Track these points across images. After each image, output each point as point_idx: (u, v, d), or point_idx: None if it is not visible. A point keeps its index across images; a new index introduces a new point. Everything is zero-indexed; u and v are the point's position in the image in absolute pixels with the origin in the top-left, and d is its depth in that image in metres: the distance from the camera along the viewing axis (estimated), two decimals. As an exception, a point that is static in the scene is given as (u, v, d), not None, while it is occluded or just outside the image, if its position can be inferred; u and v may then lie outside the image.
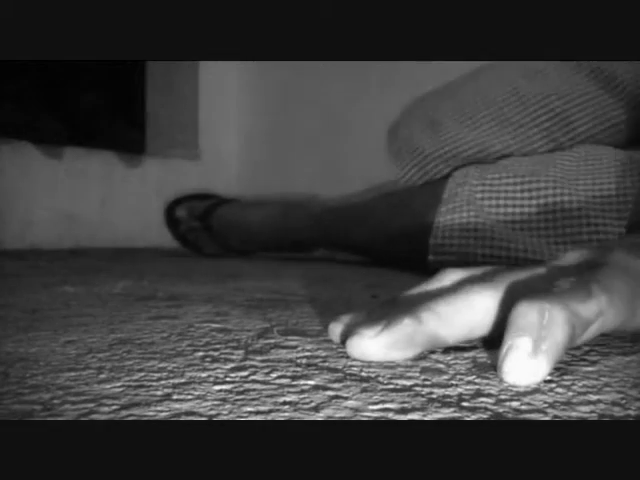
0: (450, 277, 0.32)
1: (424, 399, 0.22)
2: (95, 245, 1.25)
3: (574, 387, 0.24)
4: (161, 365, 0.26)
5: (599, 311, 0.25)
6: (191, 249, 1.11)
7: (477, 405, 0.21)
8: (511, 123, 0.74)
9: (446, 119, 0.78)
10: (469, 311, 0.27)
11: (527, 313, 0.24)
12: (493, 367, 0.26)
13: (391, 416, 0.20)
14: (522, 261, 0.62)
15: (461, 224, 0.67)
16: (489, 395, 0.22)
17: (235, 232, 1.06)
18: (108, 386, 0.23)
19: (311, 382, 0.24)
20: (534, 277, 0.29)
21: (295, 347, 0.30)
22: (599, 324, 0.26)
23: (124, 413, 0.20)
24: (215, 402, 0.21)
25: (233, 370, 0.26)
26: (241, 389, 0.23)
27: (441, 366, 0.26)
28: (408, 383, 0.24)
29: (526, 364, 0.23)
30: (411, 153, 0.80)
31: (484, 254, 0.65)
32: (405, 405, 0.21)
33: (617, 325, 0.27)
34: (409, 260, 0.75)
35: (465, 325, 0.27)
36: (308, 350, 0.30)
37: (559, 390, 0.23)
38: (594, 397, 0.22)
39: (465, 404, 0.21)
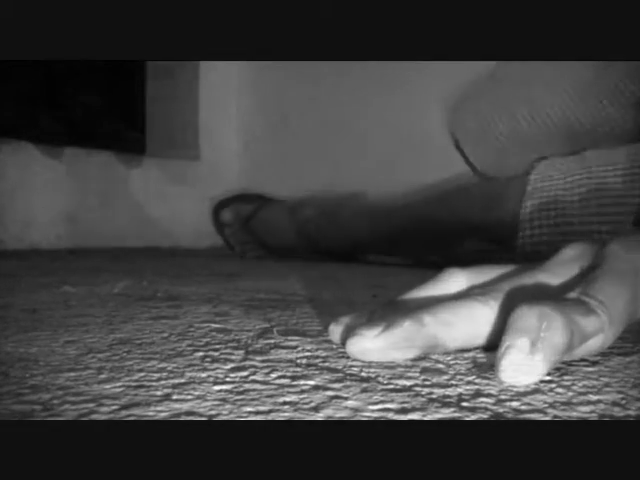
0: (453, 279, 0.32)
1: (424, 399, 0.22)
2: (95, 245, 1.25)
3: (574, 387, 0.24)
4: (161, 365, 0.26)
5: (600, 328, 0.25)
6: (238, 254, 1.07)
7: (477, 405, 0.21)
8: (594, 92, 0.74)
9: (518, 98, 0.77)
10: (470, 321, 0.27)
11: (526, 316, 0.24)
12: (493, 367, 0.26)
13: (391, 416, 0.20)
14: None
15: (543, 215, 0.69)
16: (489, 395, 0.22)
17: (277, 235, 1.02)
18: (108, 386, 0.23)
19: (311, 382, 0.24)
20: (536, 285, 0.29)
21: (295, 347, 0.30)
22: (599, 341, 0.26)
23: (124, 413, 0.20)
24: (215, 402, 0.21)
25: (233, 370, 0.26)
26: (241, 389, 0.23)
27: (441, 366, 0.26)
28: (408, 383, 0.24)
29: (523, 363, 0.23)
30: (482, 132, 0.79)
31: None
32: (405, 405, 0.21)
33: (618, 335, 0.27)
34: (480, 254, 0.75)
35: (465, 333, 0.27)
36: (308, 350, 0.30)
37: (559, 390, 0.23)
38: (594, 397, 0.22)
39: (465, 404, 0.21)
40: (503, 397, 0.22)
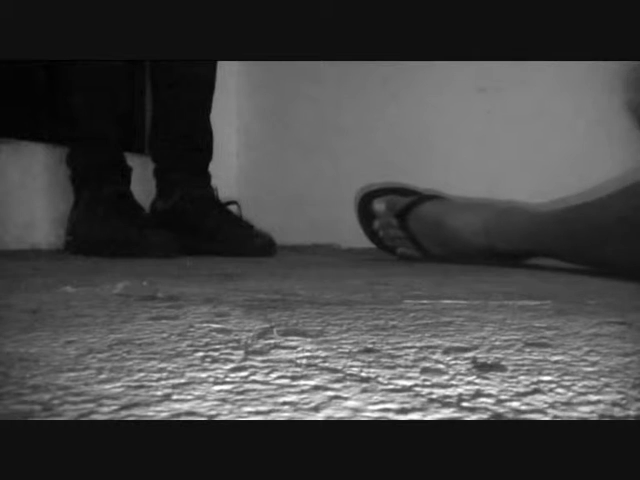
0: None
1: (424, 399, 0.22)
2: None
3: (574, 387, 0.24)
4: (161, 365, 0.26)
5: None
6: (383, 249, 0.99)
7: (477, 405, 0.21)
8: None
9: None
10: None
11: None
12: (493, 367, 0.26)
13: (391, 416, 0.20)
14: None
15: None
16: (489, 395, 0.22)
17: (434, 235, 0.94)
18: (108, 386, 0.23)
19: (311, 382, 0.24)
20: None
21: (295, 347, 0.30)
22: None
23: (124, 413, 0.20)
24: (215, 402, 0.21)
25: (233, 370, 0.26)
26: (241, 389, 0.23)
27: (441, 366, 0.26)
28: (408, 383, 0.24)
29: None
30: None
31: None
32: (405, 405, 0.21)
33: None
34: None
35: None
36: (308, 350, 0.30)
37: (559, 390, 0.23)
38: (594, 397, 0.22)
39: (465, 404, 0.21)
40: (503, 397, 0.22)
